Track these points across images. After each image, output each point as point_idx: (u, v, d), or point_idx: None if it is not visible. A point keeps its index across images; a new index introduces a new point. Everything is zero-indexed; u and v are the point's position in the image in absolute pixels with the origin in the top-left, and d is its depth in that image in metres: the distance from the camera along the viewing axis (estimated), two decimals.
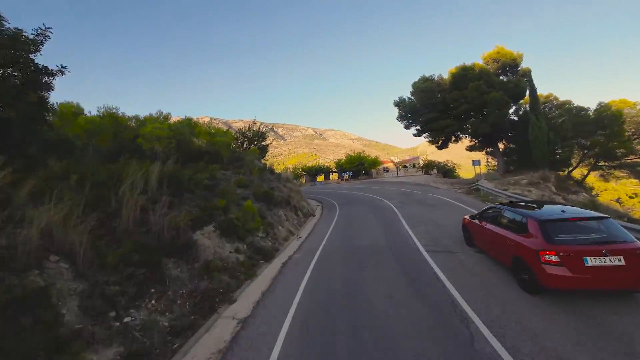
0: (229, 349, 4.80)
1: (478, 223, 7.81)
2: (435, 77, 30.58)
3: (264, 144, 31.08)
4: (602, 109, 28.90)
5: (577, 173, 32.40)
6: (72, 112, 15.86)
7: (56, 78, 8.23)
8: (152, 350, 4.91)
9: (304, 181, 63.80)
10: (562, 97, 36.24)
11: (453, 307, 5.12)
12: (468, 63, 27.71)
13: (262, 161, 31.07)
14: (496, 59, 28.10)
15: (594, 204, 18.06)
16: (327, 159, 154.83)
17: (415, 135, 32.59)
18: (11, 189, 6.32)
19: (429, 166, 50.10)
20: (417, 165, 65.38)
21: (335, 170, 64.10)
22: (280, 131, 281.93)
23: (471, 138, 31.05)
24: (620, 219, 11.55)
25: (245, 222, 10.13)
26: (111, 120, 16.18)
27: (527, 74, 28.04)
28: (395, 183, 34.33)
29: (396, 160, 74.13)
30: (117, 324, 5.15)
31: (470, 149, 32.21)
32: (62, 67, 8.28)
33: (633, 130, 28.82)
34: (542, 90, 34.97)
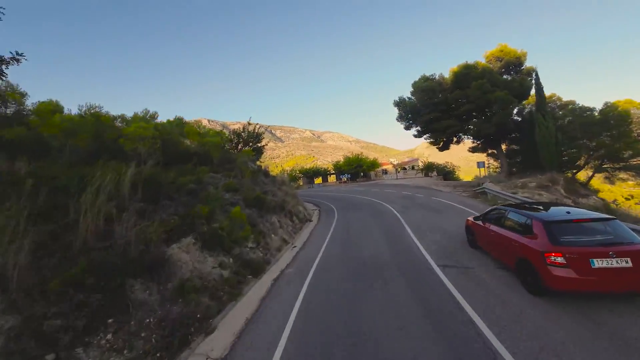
0: None
1: (482, 224, 7.73)
2: (437, 77, 29.63)
3: (259, 145, 29.99)
4: (608, 109, 28.04)
5: (579, 175, 31.56)
6: (49, 110, 14.72)
7: (9, 66, 7.10)
8: None
9: (301, 183, 62.66)
10: (565, 98, 35.57)
11: (486, 351, 4.00)
12: (470, 61, 26.78)
13: (258, 163, 30.02)
14: (499, 57, 27.20)
15: (608, 209, 17.09)
16: (325, 161, 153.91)
17: (415, 136, 31.60)
18: None
19: (428, 168, 49.15)
20: (416, 167, 64.46)
21: (333, 172, 63.03)
22: (278, 133, 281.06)
23: (473, 139, 30.10)
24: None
25: (232, 232, 9.00)
26: (93, 119, 15.04)
27: (531, 72, 27.16)
28: (395, 186, 33.28)
29: (395, 162, 73.17)
30: None
31: (473, 150, 31.25)
32: (17, 54, 7.15)
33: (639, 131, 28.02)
34: (544, 90, 34.15)
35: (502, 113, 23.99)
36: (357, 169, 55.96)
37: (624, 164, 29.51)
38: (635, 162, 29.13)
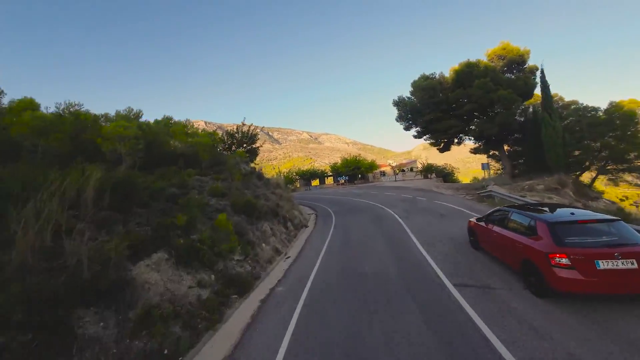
0: None
1: (484, 225, 7.70)
2: (437, 76, 28.71)
3: (254, 146, 28.86)
4: (614, 109, 27.26)
5: (582, 177, 30.73)
6: (21, 108, 13.56)
7: None
8: None
9: (298, 186, 61.52)
10: (566, 98, 34.82)
11: None
12: (472, 60, 25.88)
13: (252, 165, 28.90)
14: (501, 55, 26.31)
15: (622, 213, 16.14)
16: (323, 163, 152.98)
17: (415, 137, 30.62)
18: None
19: (428, 170, 48.21)
20: (414, 169, 63.56)
21: (331, 174, 61.98)
22: (276, 135, 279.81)
23: (475, 140, 29.18)
24: None
25: (216, 243, 7.87)
26: (72, 117, 13.90)
27: (534, 71, 26.35)
28: (394, 188, 32.27)
29: (393, 164, 72.27)
30: None
31: (474, 151, 30.32)
32: None
33: None
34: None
35: (505, 113, 23.06)
36: (355, 170, 54.95)
37: (628, 165, 28.75)
38: (639, 163, 28.37)
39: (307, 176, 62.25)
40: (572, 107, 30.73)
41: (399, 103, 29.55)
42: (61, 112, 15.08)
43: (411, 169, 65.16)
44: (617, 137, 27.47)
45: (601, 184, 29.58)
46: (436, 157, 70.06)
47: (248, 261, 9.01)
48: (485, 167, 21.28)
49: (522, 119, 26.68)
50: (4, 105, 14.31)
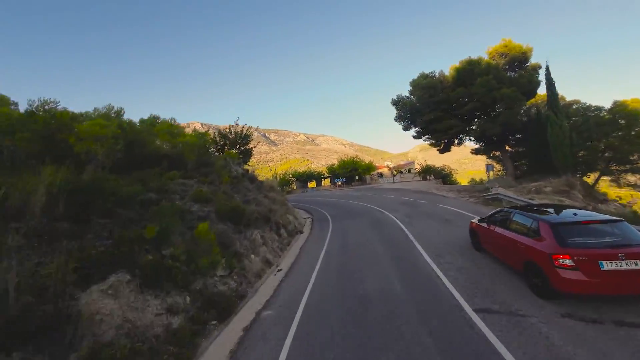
0: None
1: (486, 227, 7.63)
2: (437, 75, 27.81)
3: (247, 147, 27.73)
4: (618, 108, 26.55)
5: (585, 179, 29.97)
6: None
7: None
8: None
9: (294, 187, 60.41)
10: (568, 97, 34.10)
11: None
12: (473, 57, 25.00)
13: (246, 167, 27.77)
14: (503, 53, 25.48)
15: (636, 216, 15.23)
16: (319, 165, 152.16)
17: (414, 137, 29.68)
18: None
19: (426, 171, 47.32)
20: (412, 171, 62.74)
21: (328, 176, 60.94)
22: (272, 137, 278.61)
23: (476, 141, 28.29)
24: None
25: (194, 258, 6.77)
26: (46, 115, 12.76)
27: (537, 69, 25.56)
28: (393, 190, 31.27)
29: (391, 165, 71.41)
30: None
31: (476, 152, 29.43)
32: None
33: None
34: (543, 90, 32.67)
35: (509, 112, 22.18)
36: (352, 172, 53.94)
37: (631, 166, 28.04)
38: None
39: (304, 178, 61.15)
40: (574, 106, 30.01)
41: (398, 102, 28.60)
42: (34, 109, 13.88)
43: (409, 171, 64.31)
44: (621, 137, 26.77)
45: (614, 185, 28.76)
46: (432, 158, 69.23)
47: (233, 276, 7.91)
48: (489, 168, 20.36)
49: (524, 119, 25.83)
50: None
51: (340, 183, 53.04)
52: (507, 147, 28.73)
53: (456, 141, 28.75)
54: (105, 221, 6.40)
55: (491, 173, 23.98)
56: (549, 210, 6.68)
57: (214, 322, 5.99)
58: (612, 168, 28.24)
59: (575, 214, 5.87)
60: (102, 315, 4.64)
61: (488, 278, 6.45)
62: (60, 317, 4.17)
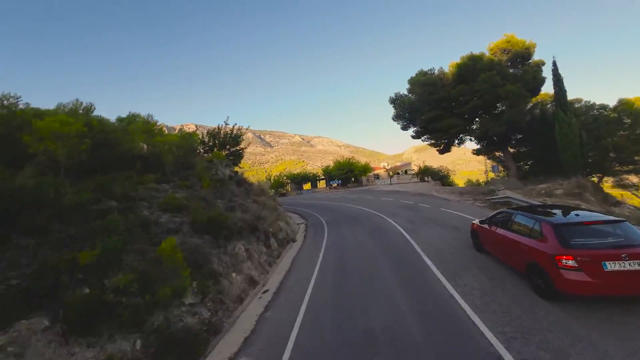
0: None
1: (488, 228, 7.58)
2: (436, 72, 26.62)
3: (238, 148, 26.26)
4: (623, 106, 25.62)
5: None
6: None
7: None
8: None
9: (289, 189, 58.94)
10: (569, 96, 33.21)
11: None
12: (475, 52, 23.84)
13: (237, 169, 26.29)
14: (505, 49, 24.38)
15: None
16: (315, 166, 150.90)
17: (413, 137, 28.44)
18: None
19: (424, 173, 46.16)
20: (409, 172, 61.64)
21: (323, 177, 59.58)
22: (268, 138, 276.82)
23: (478, 140, 27.12)
24: None
25: (152, 286, 5.34)
26: (5, 112, 11.38)
27: (540, 66, 24.51)
28: (391, 192, 29.98)
29: (387, 167, 70.31)
30: None
31: (477, 152, 28.26)
32: None
33: None
34: (547, 88, 31.71)
35: (513, 110, 21.02)
36: (348, 174, 52.66)
37: (634, 166, 27.15)
38: None
39: (299, 180, 59.74)
40: (577, 105, 29.07)
41: (396, 100, 27.34)
42: None
43: (405, 172, 63.18)
44: (626, 137, 25.85)
45: (617, 187, 27.77)
46: (427, 159, 68.25)
47: (207, 303, 6.48)
48: (495, 169, 19.17)
49: (528, 118, 24.74)
50: None
51: (336, 185, 51.69)
52: (508, 148, 27.64)
53: (456, 141, 27.57)
54: (30, 241, 4.93)
55: (490, 174, 22.81)
56: (550, 211, 6.68)
57: None
58: (616, 169, 27.34)
59: (577, 215, 5.89)
60: None
61: (525, 308, 5.10)
62: None
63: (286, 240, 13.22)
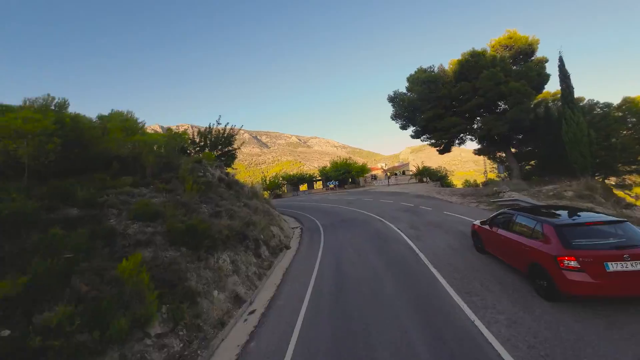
0: None
1: (489, 229, 7.59)
2: (436, 69, 25.73)
3: (230, 148, 25.16)
4: (629, 105, 24.91)
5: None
6: None
7: None
8: None
9: (285, 191, 57.86)
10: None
11: None
12: (477, 49, 22.95)
13: (229, 170, 25.21)
14: (508, 45, 23.54)
15: None
16: (312, 167, 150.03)
17: (412, 137, 27.51)
18: None
19: (422, 173, 45.31)
20: (406, 172, 60.88)
21: (320, 178, 58.55)
22: (264, 139, 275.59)
23: (478, 140, 26.27)
24: None
25: (100, 320, 4.27)
26: None
27: (543, 63, 23.74)
28: (390, 194, 29.03)
29: (385, 167, 69.47)
30: None
31: (478, 152, 27.42)
32: None
33: None
34: (549, 86, 30.91)
35: (517, 108, 20.17)
36: (345, 174, 51.68)
37: (637, 166, 26.50)
38: None
39: (295, 181, 58.68)
40: (579, 104, 28.37)
41: (395, 99, 26.38)
42: None
43: (403, 172, 62.43)
44: (630, 136, 25.17)
45: (620, 187, 27.01)
46: (423, 160, 67.48)
47: (180, 332, 5.42)
48: (501, 169, 18.28)
49: (531, 116, 23.92)
50: None
51: (332, 186, 50.70)
52: (510, 147, 26.82)
53: (457, 141, 26.68)
54: None
55: (490, 174, 21.91)
56: (551, 211, 6.67)
57: None
58: (619, 169, 26.66)
59: (579, 215, 5.93)
60: None
61: (572, 342, 4.12)
62: None
63: (279, 247, 12.17)
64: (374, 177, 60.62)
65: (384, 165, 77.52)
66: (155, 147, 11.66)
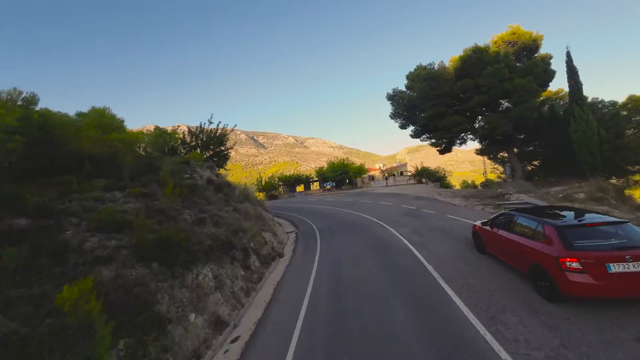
0: None
1: (490, 230, 7.59)
2: (436, 66, 24.83)
3: (222, 149, 24.09)
4: (635, 103, 24.18)
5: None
6: None
7: None
8: None
9: (281, 192, 56.77)
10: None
11: None
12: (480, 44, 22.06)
13: (222, 171, 24.16)
14: (511, 41, 22.70)
15: None
16: (309, 167, 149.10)
17: (412, 136, 26.60)
18: None
19: (421, 174, 44.39)
20: (404, 173, 60.04)
21: (317, 179, 57.52)
22: (261, 139, 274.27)
23: (480, 139, 25.41)
24: None
25: None
26: None
27: (547, 60, 22.95)
28: (388, 195, 28.09)
29: (383, 168, 68.63)
30: None
31: (480, 152, 26.55)
32: None
33: None
34: (553, 84, 30.15)
35: (522, 106, 19.30)
36: (343, 175, 50.65)
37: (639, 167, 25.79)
38: None
39: (291, 182, 57.60)
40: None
41: (394, 97, 25.44)
42: None
43: (401, 173, 61.60)
44: (635, 135, 24.45)
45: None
46: (419, 160, 66.64)
47: None
48: (507, 171, 17.40)
49: (535, 115, 23.09)
50: None
51: (330, 187, 49.70)
52: (513, 147, 25.99)
53: (458, 141, 25.80)
54: None
55: (490, 175, 21.05)
56: (552, 212, 6.73)
57: None
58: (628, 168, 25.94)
59: (580, 216, 5.93)
60: None
61: None
62: None
63: (271, 256, 11.14)
64: (372, 178, 59.73)
65: (381, 165, 76.67)
66: (138, 147, 10.57)
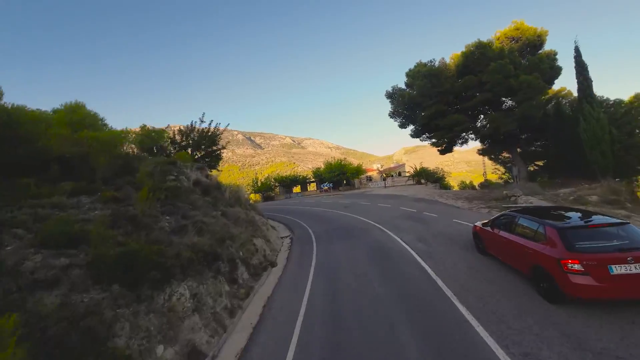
0: None
1: (491, 230, 7.54)
2: (437, 63, 23.96)
3: (214, 148, 23.05)
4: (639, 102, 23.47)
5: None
6: None
7: None
8: None
9: (278, 193, 55.70)
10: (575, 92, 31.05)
11: None
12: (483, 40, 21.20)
13: (214, 172, 23.12)
14: (514, 37, 21.88)
15: None
16: (305, 168, 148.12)
17: (412, 136, 25.71)
18: None
19: (420, 175, 43.52)
20: (402, 174, 59.20)
21: (314, 180, 56.51)
22: (258, 140, 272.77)
23: (482, 139, 24.56)
24: None
25: None
26: None
27: (552, 56, 22.18)
28: (387, 197, 27.17)
29: (381, 169, 67.80)
30: None
31: (482, 152, 25.72)
32: None
33: None
34: (559, 81, 29.40)
35: (528, 103, 18.46)
36: (340, 176, 49.69)
37: None
38: None
39: (288, 182, 56.49)
40: None
41: (394, 95, 24.53)
42: None
43: (399, 174, 60.74)
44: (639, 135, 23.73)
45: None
46: (416, 160, 65.87)
47: None
48: (514, 172, 16.54)
49: (540, 113, 22.29)
50: None
51: (327, 188, 48.74)
52: (517, 147, 25.18)
53: (460, 140, 24.93)
54: None
55: (490, 175, 20.17)
56: (553, 213, 6.71)
57: None
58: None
59: (581, 217, 5.92)
60: None
61: None
62: None
63: (262, 265, 10.14)
64: (369, 179, 58.81)
65: (379, 166, 75.81)
66: (121, 147, 9.54)
